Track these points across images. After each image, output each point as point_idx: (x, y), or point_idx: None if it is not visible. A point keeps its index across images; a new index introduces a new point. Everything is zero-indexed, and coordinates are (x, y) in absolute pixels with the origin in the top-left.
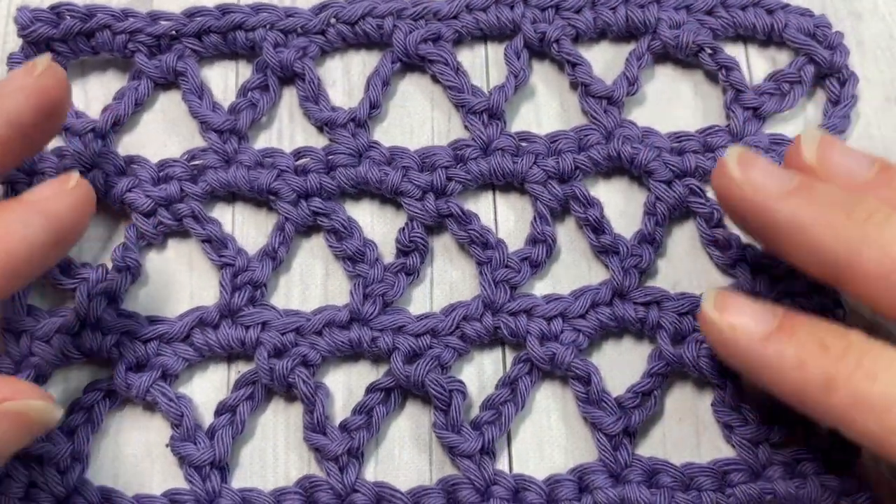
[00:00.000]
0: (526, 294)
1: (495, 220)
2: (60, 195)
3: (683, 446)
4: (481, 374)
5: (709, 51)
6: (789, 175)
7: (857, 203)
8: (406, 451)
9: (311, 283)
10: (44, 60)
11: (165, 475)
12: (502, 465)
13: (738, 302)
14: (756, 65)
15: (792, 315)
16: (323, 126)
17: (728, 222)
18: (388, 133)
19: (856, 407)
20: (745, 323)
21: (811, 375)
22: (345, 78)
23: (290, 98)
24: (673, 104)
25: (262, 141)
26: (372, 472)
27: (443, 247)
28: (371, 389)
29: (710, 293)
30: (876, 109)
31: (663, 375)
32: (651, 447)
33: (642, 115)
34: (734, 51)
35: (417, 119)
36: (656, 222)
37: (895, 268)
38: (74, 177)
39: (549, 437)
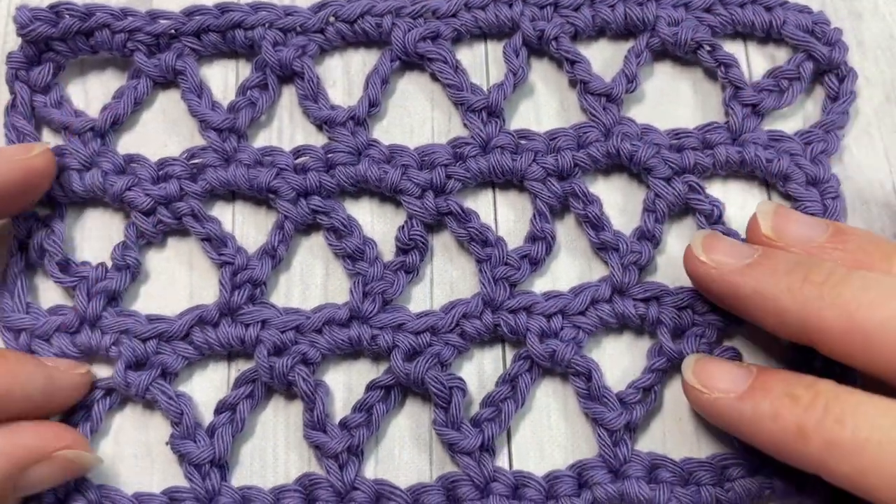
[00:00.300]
0: (525, 291)
1: (495, 218)
2: (68, 374)
3: (683, 445)
4: (481, 371)
5: (707, 48)
6: (750, 250)
7: (814, 266)
8: (406, 451)
9: (312, 282)
10: (41, 145)
11: (165, 474)
12: (502, 463)
13: (715, 367)
14: (756, 62)
15: (766, 372)
16: (322, 124)
17: (727, 218)
18: (388, 133)
19: (829, 452)
20: (722, 387)
21: (785, 425)
22: (345, 77)
23: (290, 97)
24: (672, 101)
25: (262, 139)
26: (372, 471)
27: (443, 245)
28: (371, 387)
29: (688, 361)
30: (876, 109)
31: (664, 371)
32: (651, 446)
33: (641, 112)
34: (734, 48)
35: (418, 119)
36: (655, 219)
37: (855, 325)
38: (87, 367)
39: (549, 437)
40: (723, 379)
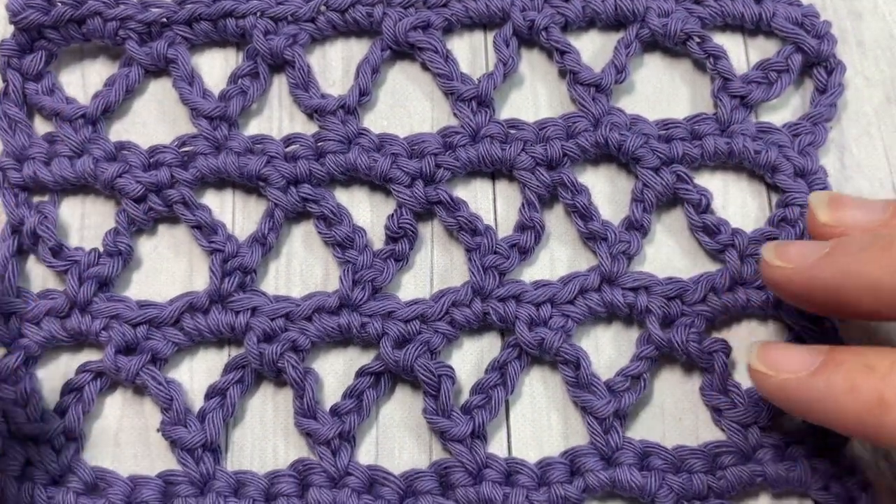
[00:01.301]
0: (515, 280)
1: (494, 210)
2: None
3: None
4: (480, 362)
5: (697, 39)
6: (821, 245)
7: (890, 236)
8: (406, 452)
9: (312, 283)
10: None
11: (165, 460)
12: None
13: (782, 349)
14: (755, 56)
15: (837, 348)
16: (313, 113)
17: (716, 208)
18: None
19: None
20: (792, 367)
21: (864, 397)
22: (345, 77)
23: (281, 86)
24: (662, 93)
25: (254, 128)
26: (373, 460)
27: (442, 236)
28: (361, 373)
29: (752, 347)
30: (876, 109)
31: (652, 359)
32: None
33: (631, 103)
34: (733, 42)
35: (418, 119)
36: (644, 209)
37: None
38: None
39: (549, 437)
40: (791, 359)
